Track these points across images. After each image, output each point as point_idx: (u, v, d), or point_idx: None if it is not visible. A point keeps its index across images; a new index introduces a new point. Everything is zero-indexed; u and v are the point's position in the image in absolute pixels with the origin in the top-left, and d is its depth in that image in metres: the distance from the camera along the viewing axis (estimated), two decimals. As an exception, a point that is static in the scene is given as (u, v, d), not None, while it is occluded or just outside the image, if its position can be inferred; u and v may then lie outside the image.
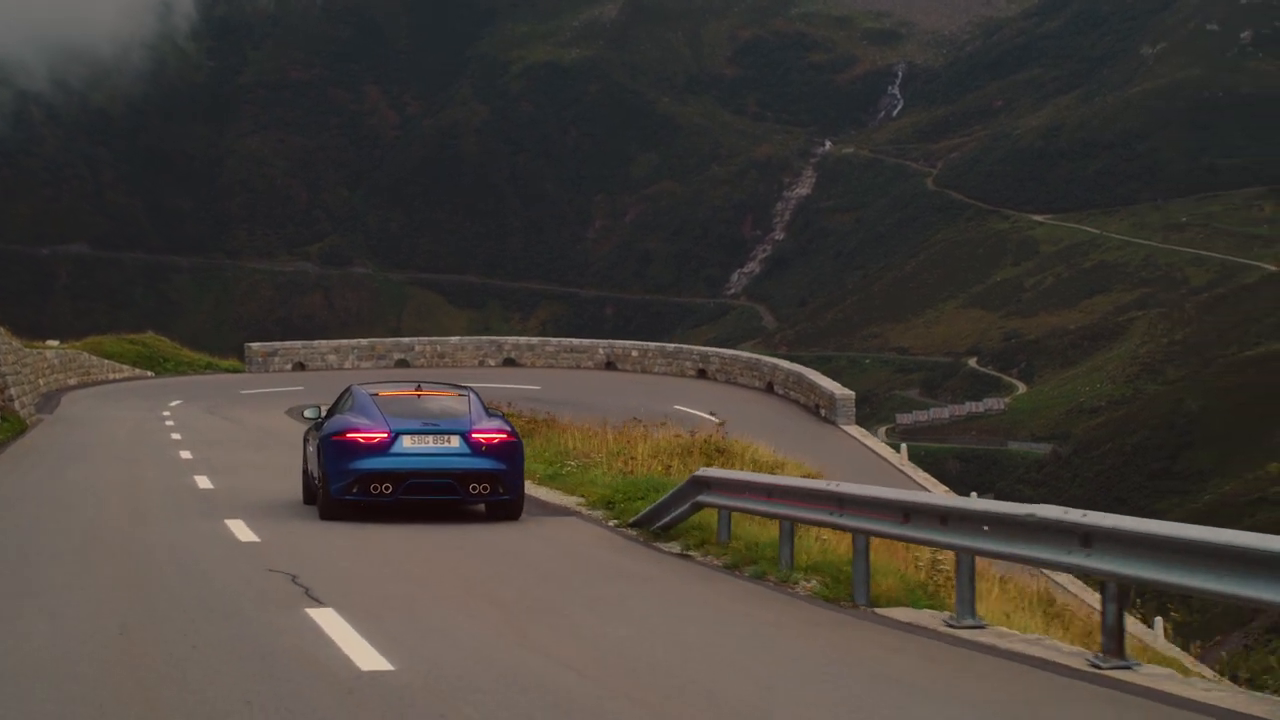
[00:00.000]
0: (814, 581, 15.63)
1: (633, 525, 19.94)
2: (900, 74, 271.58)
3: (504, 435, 20.60)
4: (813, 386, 57.24)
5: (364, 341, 71.97)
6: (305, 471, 22.88)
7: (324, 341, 72.13)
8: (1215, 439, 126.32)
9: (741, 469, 24.16)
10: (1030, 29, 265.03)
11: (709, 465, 24.26)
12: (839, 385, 56.90)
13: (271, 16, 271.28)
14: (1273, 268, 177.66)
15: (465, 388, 22.38)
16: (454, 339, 71.64)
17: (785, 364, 62.16)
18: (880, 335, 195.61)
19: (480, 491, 20.53)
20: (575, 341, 72.33)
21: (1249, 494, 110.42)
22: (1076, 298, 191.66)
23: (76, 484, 24.22)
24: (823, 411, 54.60)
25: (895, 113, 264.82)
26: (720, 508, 17.92)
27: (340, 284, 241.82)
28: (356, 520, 20.40)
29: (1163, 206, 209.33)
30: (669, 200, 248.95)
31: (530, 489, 24.06)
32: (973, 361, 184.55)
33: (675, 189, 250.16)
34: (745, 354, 66.17)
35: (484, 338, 72.47)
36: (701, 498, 18.03)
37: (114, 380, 67.10)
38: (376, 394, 21.47)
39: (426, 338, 73.67)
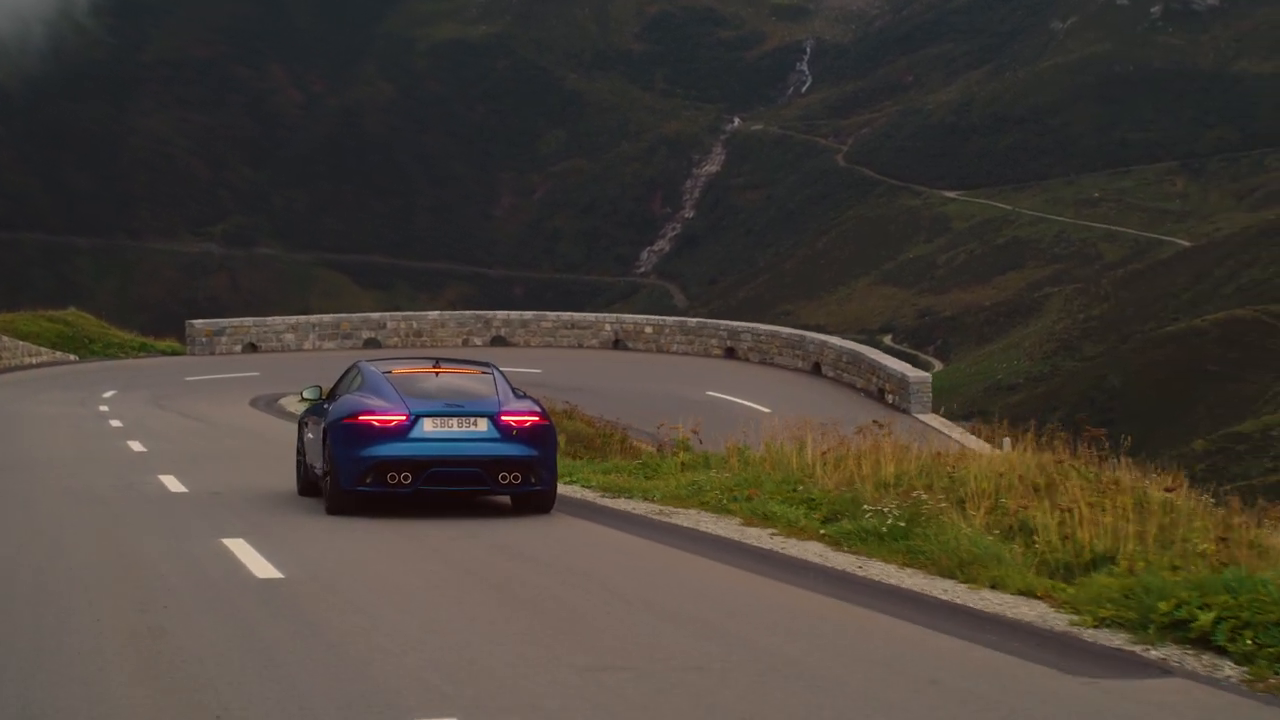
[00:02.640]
0: None
1: None
2: (809, 50, 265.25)
3: (536, 418, 19.06)
4: (874, 367, 50.43)
5: (327, 318, 64.14)
6: (301, 462, 21.31)
7: (279, 318, 64.03)
8: (1137, 416, 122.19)
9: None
10: (939, 4, 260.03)
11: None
12: (909, 365, 50.30)
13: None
14: (1186, 243, 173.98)
15: (487, 365, 20.69)
16: (433, 314, 64.05)
17: (836, 341, 55.15)
18: (793, 313, 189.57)
19: (511, 481, 18.84)
20: (577, 316, 64.89)
21: (1175, 471, 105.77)
22: (990, 274, 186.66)
23: (31, 573, 14.50)
24: (890, 397, 48.13)
25: (804, 89, 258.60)
26: None
27: (245, 265, 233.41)
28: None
29: (1075, 182, 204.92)
30: (578, 178, 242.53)
31: (825, 554, 16.11)
32: (888, 339, 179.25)
33: (584, 166, 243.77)
34: (786, 330, 58.89)
35: (468, 312, 64.91)
36: None
37: (31, 365, 59.47)
38: (390, 371, 19.80)
39: (400, 313, 66.36)
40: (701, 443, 25.17)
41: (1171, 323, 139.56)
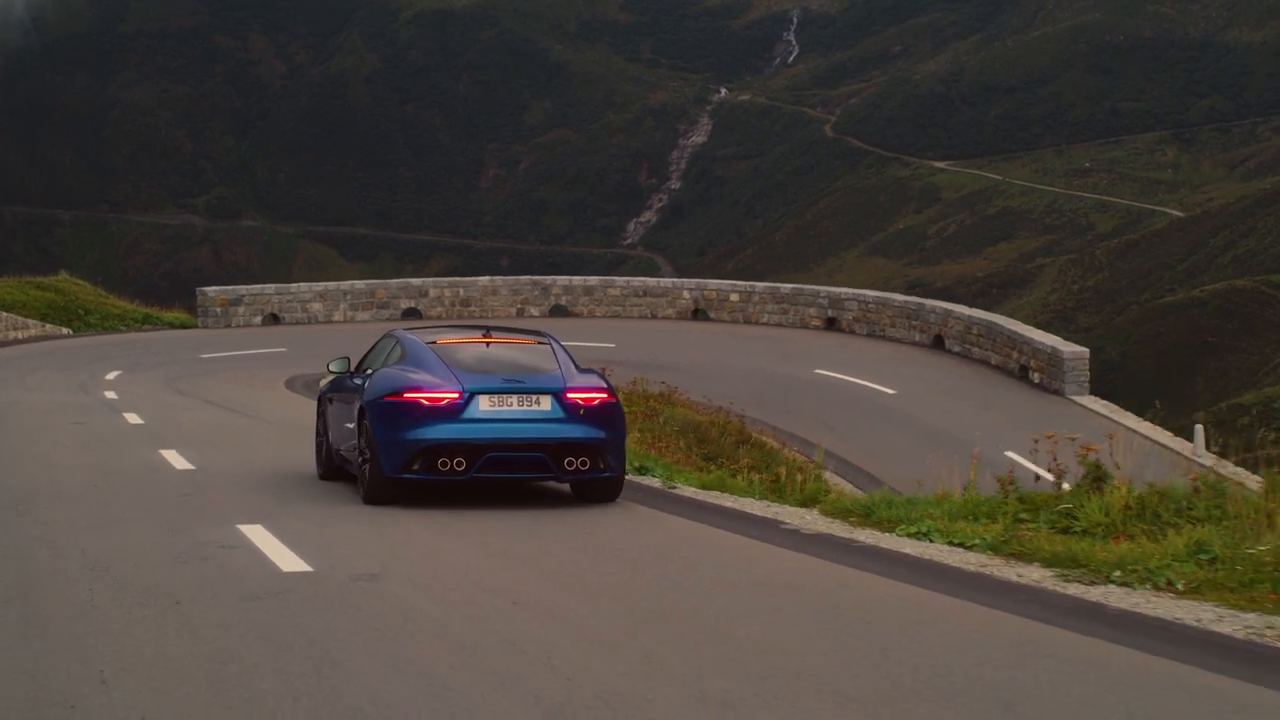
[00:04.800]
0: None
1: None
2: (795, 19, 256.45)
3: (604, 394, 16.30)
4: (1015, 340, 42.22)
5: (360, 285, 54.68)
6: (323, 444, 18.47)
7: (305, 285, 54.43)
8: (1137, 388, 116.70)
9: None
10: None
11: None
12: (1059, 338, 42.13)
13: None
14: (1179, 213, 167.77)
15: (543, 334, 17.70)
16: (483, 280, 54.59)
17: (964, 309, 46.44)
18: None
19: (578, 468, 16.01)
20: (650, 282, 55.57)
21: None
22: (981, 245, 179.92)
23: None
24: (1035, 376, 40.41)
25: (791, 59, 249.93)
26: None
27: (229, 237, 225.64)
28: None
29: (1065, 152, 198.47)
30: (563, 149, 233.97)
31: None
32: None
33: (570, 137, 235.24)
34: (899, 297, 49.87)
35: (524, 278, 55.57)
36: None
37: (18, 341, 50.34)
38: (434, 341, 16.90)
39: (446, 279, 56.75)
40: (1118, 467, 15.28)
41: (1168, 294, 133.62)
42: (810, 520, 15.51)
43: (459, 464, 15.74)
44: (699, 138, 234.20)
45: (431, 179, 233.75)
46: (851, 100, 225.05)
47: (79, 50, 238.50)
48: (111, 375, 38.69)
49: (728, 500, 17.19)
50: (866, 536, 14.40)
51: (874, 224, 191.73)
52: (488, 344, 16.96)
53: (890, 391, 38.67)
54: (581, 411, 16.07)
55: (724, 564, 13.03)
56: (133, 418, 27.35)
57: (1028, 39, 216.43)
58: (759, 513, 16.22)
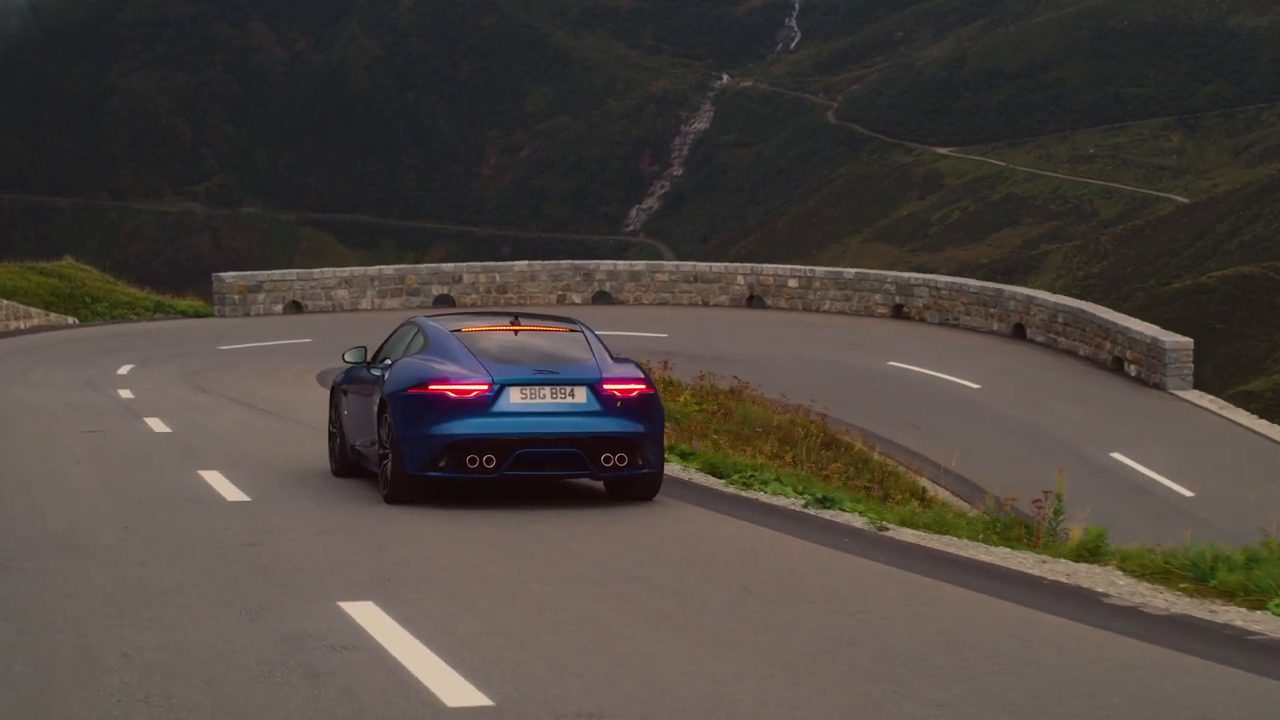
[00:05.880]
0: None
1: None
2: (797, 5, 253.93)
3: (642, 385, 15.20)
4: (1107, 330, 38.24)
5: (389, 270, 50.67)
6: (336, 435, 17.20)
7: (330, 271, 50.35)
8: None
9: None
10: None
11: None
12: (1158, 328, 37.88)
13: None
14: (1183, 199, 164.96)
15: (575, 322, 16.49)
16: (520, 265, 50.53)
17: (1047, 296, 42.43)
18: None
19: (616, 464, 14.87)
20: (700, 267, 51.50)
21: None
22: (985, 231, 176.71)
23: None
24: (1132, 369, 36.27)
25: (793, 45, 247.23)
26: None
27: (229, 225, 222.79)
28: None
29: (1069, 138, 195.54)
30: (565, 136, 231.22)
31: None
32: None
33: (571, 124, 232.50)
34: (974, 282, 45.86)
35: (564, 263, 51.54)
36: None
37: (19, 331, 47.03)
38: (459, 330, 15.66)
39: (480, 264, 52.53)
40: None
41: (1174, 280, 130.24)
42: (1126, 588, 10.98)
43: (489, 461, 14.64)
44: (701, 124, 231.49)
45: (432, 166, 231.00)
46: (854, 86, 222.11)
47: (78, 38, 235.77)
48: (124, 370, 34.69)
49: (979, 551, 12.63)
50: (1238, 618, 9.92)
51: (877, 210, 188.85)
52: (515, 332, 15.82)
53: (974, 386, 35.16)
54: (619, 404, 15.05)
55: (1084, 676, 8.50)
56: (156, 424, 23.10)
57: (1031, 24, 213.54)
58: (1036, 572, 11.68)
